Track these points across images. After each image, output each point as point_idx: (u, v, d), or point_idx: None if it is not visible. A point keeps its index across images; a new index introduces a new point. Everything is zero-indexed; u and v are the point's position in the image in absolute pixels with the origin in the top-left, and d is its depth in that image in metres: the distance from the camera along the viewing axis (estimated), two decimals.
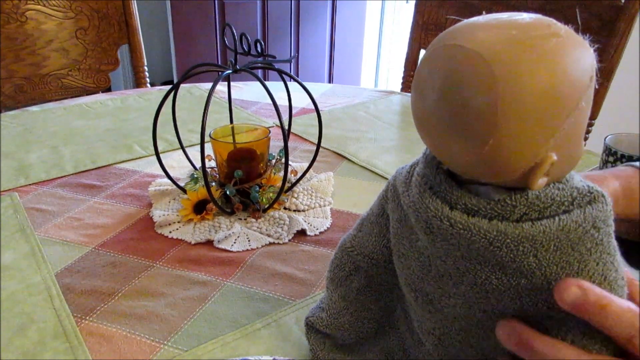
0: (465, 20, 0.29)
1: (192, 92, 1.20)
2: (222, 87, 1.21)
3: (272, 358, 0.42)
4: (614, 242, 0.30)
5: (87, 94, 1.27)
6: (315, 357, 0.44)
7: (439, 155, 0.30)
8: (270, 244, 0.62)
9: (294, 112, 0.79)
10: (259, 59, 0.66)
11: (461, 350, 0.36)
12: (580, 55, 0.26)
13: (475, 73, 0.26)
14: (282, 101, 0.71)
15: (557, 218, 0.29)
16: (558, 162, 0.28)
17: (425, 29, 1.34)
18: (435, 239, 0.32)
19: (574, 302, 0.29)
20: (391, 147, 0.91)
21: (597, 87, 0.28)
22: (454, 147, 0.28)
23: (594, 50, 0.27)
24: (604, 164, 0.68)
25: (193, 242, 0.62)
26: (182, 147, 0.73)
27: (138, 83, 1.36)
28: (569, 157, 0.29)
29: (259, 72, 2.22)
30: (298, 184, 0.73)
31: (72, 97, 1.21)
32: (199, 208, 0.66)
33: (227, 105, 0.77)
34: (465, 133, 0.27)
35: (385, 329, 0.44)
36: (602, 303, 0.29)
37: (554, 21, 0.27)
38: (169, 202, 0.70)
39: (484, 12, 0.29)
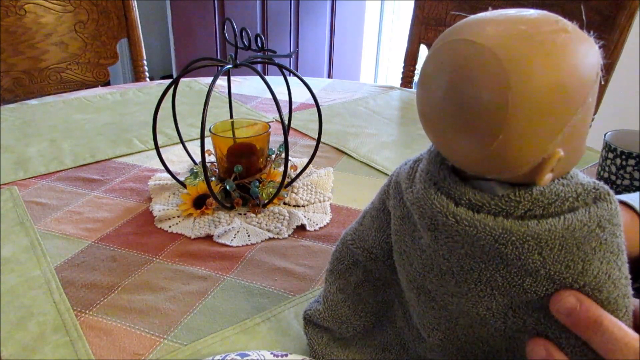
0: (473, 16, 0.28)
1: (192, 86, 1.19)
2: (221, 81, 1.21)
3: (270, 353, 0.42)
4: (618, 241, 0.30)
5: (86, 88, 1.27)
6: (312, 351, 0.44)
7: (444, 152, 0.30)
8: (270, 239, 0.62)
9: (293, 107, 0.79)
10: (259, 53, 0.66)
11: (466, 344, 0.36)
12: (588, 51, 0.26)
13: (485, 68, 0.26)
14: (282, 96, 0.71)
15: (562, 217, 0.29)
16: (564, 157, 0.27)
17: (425, 23, 1.33)
18: (439, 236, 0.32)
19: (569, 311, 0.29)
20: (391, 142, 0.91)
21: (602, 82, 0.28)
22: (461, 143, 0.28)
23: (599, 47, 0.27)
24: (604, 160, 0.68)
25: (193, 237, 0.62)
26: (182, 142, 0.73)
27: (137, 77, 1.35)
28: (574, 153, 0.29)
29: (259, 67, 2.21)
30: (298, 179, 0.73)
31: (71, 91, 1.21)
32: (199, 203, 0.66)
33: (227, 99, 0.76)
34: (474, 129, 0.27)
35: (383, 324, 0.44)
36: (597, 317, 0.28)
37: (561, 17, 0.27)
38: (169, 196, 0.70)
39: (490, 8, 0.29)
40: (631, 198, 0.43)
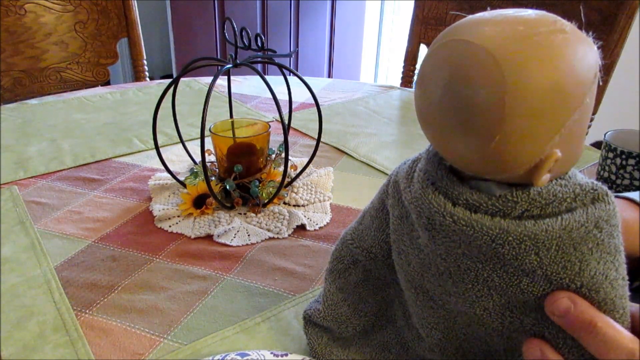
0: (471, 16, 0.28)
1: (192, 86, 1.19)
2: (221, 81, 1.21)
3: (270, 352, 0.42)
4: (616, 242, 0.30)
5: (86, 88, 1.27)
6: (312, 351, 0.44)
7: (442, 152, 0.30)
8: (270, 238, 0.62)
9: (293, 106, 0.79)
10: (259, 53, 0.66)
11: (465, 343, 0.36)
12: (586, 51, 0.26)
13: (482, 68, 0.26)
14: (281, 96, 0.71)
15: (560, 217, 0.29)
16: (561, 158, 0.28)
17: (425, 23, 1.33)
18: (437, 236, 0.32)
19: (563, 312, 0.29)
20: (391, 142, 0.91)
21: (600, 83, 0.28)
22: (459, 143, 0.28)
23: (598, 48, 0.27)
24: (604, 160, 0.68)
25: (193, 237, 0.62)
26: (182, 141, 0.73)
27: (137, 77, 1.35)
28: (571, 154, 0.29)
29: (259, 67, 2.22)
30: (298, 179, 0.73)
31: (71, 91, 1.21)
32: (199, 202, 0.66)
33: (227, 99, 0.76)
34: (471, 129, 0.27)
35: (383, 323, 0.44)
36: (591, 319, 0.28)
37: (559, 17, 0.27)
38: (169, 196, 0.70)
39: (488, 8, 0.29)
40: (637, 195, 0.43)
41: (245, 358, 0.42)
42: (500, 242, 0.29)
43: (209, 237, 0.62)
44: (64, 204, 0.69)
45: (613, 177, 0.67)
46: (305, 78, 0.70)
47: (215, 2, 2.54)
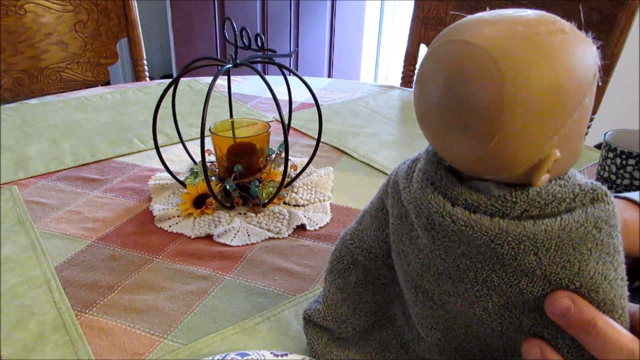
0: (470, 16, 0.28)
1: (192, 86, 1.19)
2: (221, 81, 1.21)
3: (270, 352, 0.42)
4: (615, 242, 0.30)
5: (86, 88, 1.27)
6: (312, 350, 0.44)
7: (441, 152, 0.30)
8: (270, 238, 0.62)
9: (293, 106, 0.79)
10: (259, 53, 0.66)
11: (464, 343, 0.36)
12: (585, 51, 0.26)
13: (481, 69, 0.26)
14: (281, 95, 0.71)
15: (559, 217, 0.29)
16: (560, 158, 0.28)
17: (425, 23, 1.33)
18: (436, 236, 0.32)
19: (563, 312, 0.29)
20: (391, 142, 0.91)
21: (600, 84, 0.28)
22: (458, 143, 0.28)
23: (597, 48, 0.27)
24: (604, 160, 0.68)
25: (193, 237, 0.62)
26: (182, 141, 0.73)
27: (137, 77, 1.35)
28: (571, 154, 0.29)
29: (259, 67, 2.22)
30: (298, 179, 0.73)
31: (71, 91, 1.21)
32: (199, 202, 0.66)
33: (227, 99, 0.76)
34: (470, 129, 0.27)
35: (383, 323, 0.44)
36: (591, 319, 0.28)
37: (558, 17, 0.27)
38: (169, 196, 0.70)
39: (487, 8, 0.29)
40: (637, 195, 0.43)
41: (245, 358, 0.42)
42: (500, 242, 0.29)
43: (209, 237, 0.62)
44: (64, 204, 0.69)
45: (613, 177, 0.67)
46: (305, 78, 0.70)
47: (215, 2, 2.54)
